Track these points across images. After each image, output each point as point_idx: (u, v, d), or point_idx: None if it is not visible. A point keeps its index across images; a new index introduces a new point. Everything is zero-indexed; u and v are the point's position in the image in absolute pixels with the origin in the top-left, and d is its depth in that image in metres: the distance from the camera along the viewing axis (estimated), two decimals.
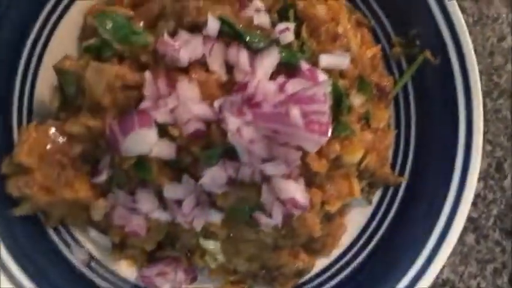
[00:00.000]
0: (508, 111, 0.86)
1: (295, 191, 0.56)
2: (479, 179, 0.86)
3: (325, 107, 0.51)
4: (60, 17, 0.63)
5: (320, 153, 0.57)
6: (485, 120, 0.87)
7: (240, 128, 0.52)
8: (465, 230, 0.84)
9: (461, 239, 0.83)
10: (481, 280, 0.83)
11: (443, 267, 0.83)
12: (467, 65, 0.65)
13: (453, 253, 0.83)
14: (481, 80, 0.86)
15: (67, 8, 0.63)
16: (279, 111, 0.52)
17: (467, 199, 0.64)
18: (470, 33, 0.86)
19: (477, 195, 0.84)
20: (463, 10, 0.87)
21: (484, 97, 0.87)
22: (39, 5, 0.60)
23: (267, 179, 0.56)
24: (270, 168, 0.55)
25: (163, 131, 0.56)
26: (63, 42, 0.63)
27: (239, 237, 0.62)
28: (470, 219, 0.83)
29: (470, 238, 0.84)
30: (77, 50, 0.64)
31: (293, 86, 0.54)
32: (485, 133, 0.86)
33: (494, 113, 0.86)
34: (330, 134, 0.53)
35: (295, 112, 0.50)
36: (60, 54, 0.61)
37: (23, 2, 0.60)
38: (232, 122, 0.52)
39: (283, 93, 0.53)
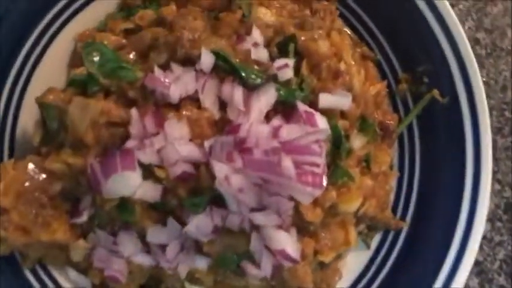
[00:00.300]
0: None
1: (286, 242, 0.52)
2: (486, 220, 0.82)
3: (321, 158, 0.48)
4: (49, 42, 0.60)
5: (315, 201, 0.53)
6: (495, 159, 0.83)
7: (228, 176, 0.49)
8: (469, 274, 0.80)
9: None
10: None
11: None
12: (477, 106, 0.61)
13: None
14: (491, 115, 0.83)
15: (57, 33, 0.60)
16: (271, 159, 0.48)
17: (473, 248, 0.61)
18: (482, 66, 0.83)
19: (483, 237, 0.80)
20: (476, 42, 0.83)
21: (494, 134, 0.84)
22: (26, 30, 0.57)
23: (256, 227, 0.53)
24: (260, 218, 0.51)
25: (148, 172, 0.53)
26: (52, 70, 0.60)
27: (226, 285, 0.58)
28: (474, 262, 0.79)
29: (474, 282, 0.79)
30: (66, 77, 0.61)
31: (288, 131, 0.51)
32: (494, 172, 0.82)
33: (504, 151, 0.82)
34: (324, 185, 0.49)
35: (287, 163, 0.47)
36: (48, 82, 0.58)
37: (9, 24, 0.56)
38: (220, 169, 0.49)
39: (277, 139, 0.50)
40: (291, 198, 0.50)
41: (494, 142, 0.82)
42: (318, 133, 0.49)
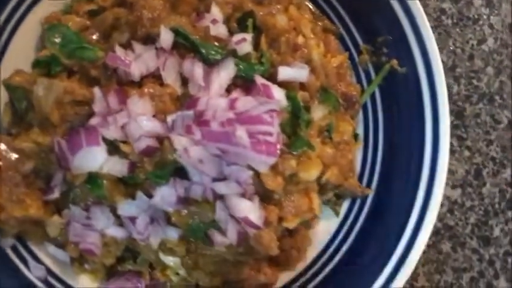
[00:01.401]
0: (488, 116, 0.84)
1: (249, 209, 0.55)
2: (456, 186, 0.84)
3: (273, 127, 0.50)
4: (16, 26, 0.62)
5: (275, 170, 0.56)
6: (464, 126, 0.85)
7: (187, 148, 0.51)
8: (441, 238, 0.82)
9: (437, 247, 0.82)
10: None
11: (418, 275, 0.82)
12: (434, 74, 0.63)
13: (429, 261, 0.82)
14: (460, 84, 0.85)
15: (23, 17, 0.62)
16: (227, 130, 0.50)
17: (433, 209, 0.63)
18: (449, 35, 0.85)
19: (454, 202, 0.82)
20: (442, 11, 0.84)
21: (463, 102, 0.85)
22: None
23: (220, 197, 0.55)
24: (221, 187, 0.54)
25: (114, 147, 0.55)
26: (20, 54, 0.62)
27: (198, 253, 0.61)
28: (446, 227, 0.82)
29: (447, 246, 0.82)
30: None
31: (244, 103, 0.53)
32: (464, 139, 0.84)
33: (473, 118, 0.84)
34: (278, 152, 0.51)
35: (241, 133, 0.49)
36: (17, 66, 0.60)
37: None
38: (180, 142, 0.51)
39: (233, 111, 0.52)
40: (249, 167, 0.53)
41: (463, 110, 0.84)
42: (270, 104, 0.51)
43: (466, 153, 0.83)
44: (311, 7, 0.68)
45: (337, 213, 0.69)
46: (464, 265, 0.82)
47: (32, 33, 0.63)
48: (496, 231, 0.83)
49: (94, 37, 0.59)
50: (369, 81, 0.69)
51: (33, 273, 0.61)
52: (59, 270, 0.63)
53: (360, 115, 0.70)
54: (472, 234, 0.83)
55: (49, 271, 0.63)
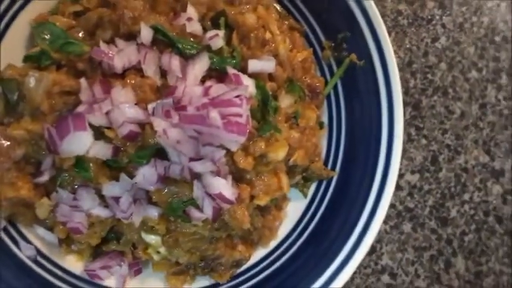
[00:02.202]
0: (442, 107, 0.91)
1: (223, 186, 0.60)
2: (415, 171, 0.91)
3: (242, 109, 0.56)
4: (6, 28, 0.67)
5: (246, 151, 0.62)
6: (421, 117, 0.93)
7: (166, 130, 0.57)
8: (402, 219, 0.89)
9: (398, 228, 0.89)
10: (418, 266, 0.89)
11: (382, 254, 0.89)
12: (388, 66, 0.70)
13: (391, 241, 0.89)
14: (416, 78, 0.93)
15: (13, 18, 0.67)
16: (201, 113, 0.56)
17: (389, 188, 0.69)
18: (405, 34, 0.92)
19: (413, 186, 0.90)
20: (398, 13, 0.92)
21: (419, 94, 0.93)
22: None
23: (197, 176, 0.61)
24: (198, 166, 0.59)
25: (99, 133, 0.61)
26: (11, 50, 0.67)
27: (178, 231, 0.66)
28: (407, 209, 0.89)
29: (407, 227, 0.89)
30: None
31: (217, 90, 0.59)
32: (421, 128, 0.91)
33: (429, 109, 0.91)
34: (249, 133, 0.57)
35: (213, 114, 0.55)
36: (7, 62, 0.65)
37: None
38: (159, 124, 0.57)
39: (207, 97, 0.58)
40: (222, 147, 0.59)
41: (420, 102, 0.91)
42: (239, 89, 0.57)
43: (423, 141, 0.90)
44: (278, 7, 0.75)
45: (305, 195, 0.75)
46: (424, 244, 0.89)
47: (21, 33, 0.68)
48: (453, 213, 0.91)
49: (80, 35, 0.65)
50: (332, 74, 0.75)
51: (23, 252, 0.65)
52: (47, 251, 0.68)
53: (325, 105, 0.77)
54: (431, 215, 0.90)
55: (38, 252, 0.67)
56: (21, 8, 0.67)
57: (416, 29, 0.92)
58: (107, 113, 0.60)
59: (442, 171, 0.90)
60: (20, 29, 0.68)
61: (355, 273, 0.85)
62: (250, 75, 0.65)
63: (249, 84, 0.61)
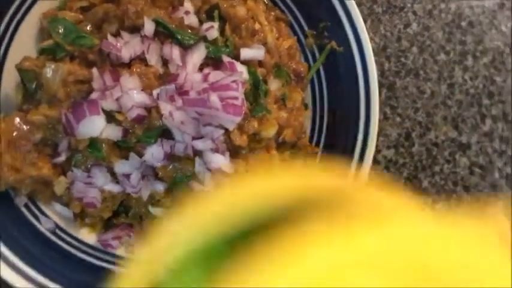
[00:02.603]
0: (414, 88, 1.00)
1: (222, 162, 0.68)
2: (391, 147, 1.01)
3: (238, 93, 0.64)
4: (20, 21, 0.73)
5: (241, 130, 0.70)
6: (395, 97, 1.02)
7: (171, 112, 0.65)
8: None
9: None
10: None
11: None
12: (365, 52, 0.78)
13: None
14: (390, 61, 1.01)
15: (26, 13, 0.73)
16: (202, 97, 0.64)
17: (368, 160, 0.78)
18: (380, 21, 1.01)
19: (389, 161, 0.99)
20: (374, 2, 1.00)
21: (393, 76, 1.02)
22: (1, 13, 0.71)
23: (198, 153, 0.69)
24: (199, 144, 0.67)
25: (110, 116, 0.68)
26: (23, 44, 0.73)
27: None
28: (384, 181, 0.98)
29: None
30: (35, 49, 0.75)
31: (215, 76, 0.67)
32: (395, 107, 1.00)
33: (402, 90, 1.00)
34: (244, 114, 0.66)
35: (213, 98, 0.63)
36: (21, 54, 0.72)
37: None
38: (165, 108, 0.65)
39: (206, 82, 0.66)
40: (221, 127, 0.67)
41: (394, 83, 1.00)
42: (235, 75, 0.65)
43: (398, 119, 1.00)
44: (265, 0, 0.83)
45: None
46: None
47: (32, 27, 0.74)
48: (425, 183, 1.00)
49: (88, 28, 0.72)
50: (314, 59, 0.84)
51: (43, 226, 0.73)
52: (64, 225, 0.75)
53: (308, 88, 0.85)
54: (405, 186, 0.99)
55: (56, 225, 0.75)
56: (32, 4, 0.73)
57: (390, 16, 1.00)
58: (117, 99, 0.67)
59: (414, 146, 1.00)
60: (31, 23, 0.74)
61: None
62: (243, 62, 0.72)
63: (242, 70, 0.69)
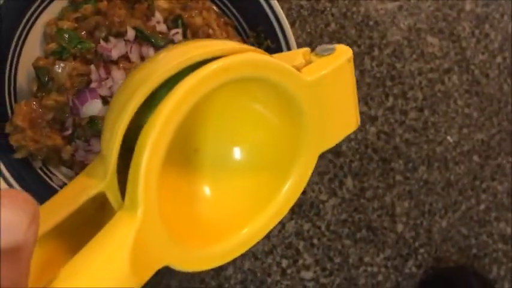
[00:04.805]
0: None
1: None
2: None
3: None
4: (30, 29, 0.95)
5: None
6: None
7: None
8: None
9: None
10: (321, 186, 1.28)
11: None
12: (290, 47, 1.05)
13: None
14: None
15: (33, 23, 0.95)
16: None
17: None
18: (306, 22, 1.28)
19: None
20: (300, 7, 1.28)
21: None
22: (16, 22, 0.93)
23: None
24: None
25: (105, 100, 0.92)
26: (32, 47, 0.96)
27: None
28: None
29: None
30: (41, 51, 0.98)
31: None
32: None
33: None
34: None
35: None
36: (29, 55, 0.95)
37: (7, 21, 0.92)
38: None
39: None
40: None
41: None
42: None
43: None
44: (216, 9, 1.08)
45: None
46: (324, 170, 1.28)
47: (38, 33, 0.97)
48: (344, 148, 1.30)
49: (83, 34, 0.96)
50: None
51: (55, 183, 0.97)
52: (69, 182, 0.99)
53: None
54: (329, 150, 1.28)
55: (63, 183, 0.99)
56: (39, 15, 0.96)
57: (313, 18, 1.28)
58: (110, 87, 0.92)
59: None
60: (37, 31, 0.97)
61: None
62: None
63: None
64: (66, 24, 0.95)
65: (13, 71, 0.93)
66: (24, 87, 0.95)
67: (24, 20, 0.93)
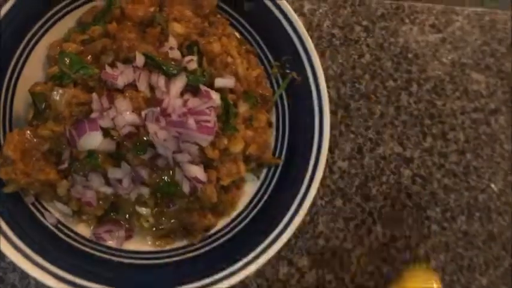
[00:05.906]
0: (366, 109, 1.16)
1: (197, 171, 0.83)
2: (345, 159, 1.16)
3: (211, 117, 0.79)
4: (31, 50, 0.87)
5: (214, 145, 0.84)
6: (350, 117, 1.17)
7: (156, 132, 0.79)
8: (335, 196, 1.13)
9: (332, 203, 1.13)
10: (347, 233, 1.14)
11: (318, 223, 1.14)
12: (318, 81, 0.93)
13: (326, 213, 1.13)
14: (346, 86, 1.17)
15: (36, 44, 0.87)
16: (182, 119, 0.79)
17: (319, 172, 0.92)
18: (338, 52, 1.17)
19: (343, 171, 1.14)
20: (332, 35, 1.16)
21: (348, 99, 1.17)
22: (16, 41, 0.85)
23: (178, 164, 0.84)
24: (179, 157, 0.81)
25: (106, 132, 0.82)
26: (34, 69, 0.87)
27: (163, 205, 0.89)
28: (338, 189, 1.13)
29: (339, 202, 1.13)
30: (43, 74, 0.89)
31: (193, 102, 0.81)
32: (349, 125, 1.16)
33: (356, 111, 1.16)
34: (215, 133, 0.80)
35: (190, 121, 0.78)
36: (32, 78, 0.86)
37: (6, 39, 0.84)
38: (151, 128, 0.79)
39: (186, 107, 0.81)
40: (196, 144, 0.82)
41: (349, 105, 1.16)
42: (209, 102, 0.81)
43: (351, 135, 1.15)
44: (237, 35, 0.98)
45: (258, 177, 0.98)
46: (351, 215, 1.15)
47: (41, 55, 0.88)
48: (374, 191, 1.16)
49: (88, 58, 0.86)
50: (278, 86, 0.98)
51: (48, 220, 0.87)
52: (64, 220, 0.89)
53: (273, 109, 1.00)
54: (357, 193, 1.13)
55: (58, 221, 0.89)
56: (42, 36, 0.88)
57: (346, 47, 1.16)
58: (112, 118, 0.81)
59: (365, 159, 1.15)
60: (39, 52, 0.89)
61: (297, 237, 1.09)
62: (216, 90, 0.87)
63: (216, 97, 0.84)
64: (70, 47, 0.87)
65: (9, 95, 0.85)
66: (21, 114, 0.87)
67: (26, 40, 0.85)
